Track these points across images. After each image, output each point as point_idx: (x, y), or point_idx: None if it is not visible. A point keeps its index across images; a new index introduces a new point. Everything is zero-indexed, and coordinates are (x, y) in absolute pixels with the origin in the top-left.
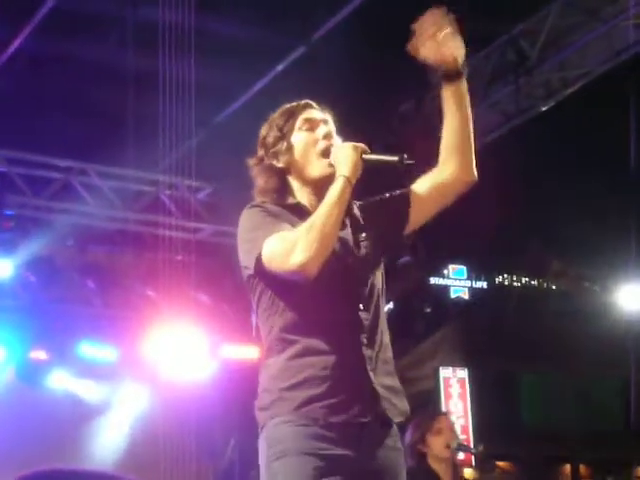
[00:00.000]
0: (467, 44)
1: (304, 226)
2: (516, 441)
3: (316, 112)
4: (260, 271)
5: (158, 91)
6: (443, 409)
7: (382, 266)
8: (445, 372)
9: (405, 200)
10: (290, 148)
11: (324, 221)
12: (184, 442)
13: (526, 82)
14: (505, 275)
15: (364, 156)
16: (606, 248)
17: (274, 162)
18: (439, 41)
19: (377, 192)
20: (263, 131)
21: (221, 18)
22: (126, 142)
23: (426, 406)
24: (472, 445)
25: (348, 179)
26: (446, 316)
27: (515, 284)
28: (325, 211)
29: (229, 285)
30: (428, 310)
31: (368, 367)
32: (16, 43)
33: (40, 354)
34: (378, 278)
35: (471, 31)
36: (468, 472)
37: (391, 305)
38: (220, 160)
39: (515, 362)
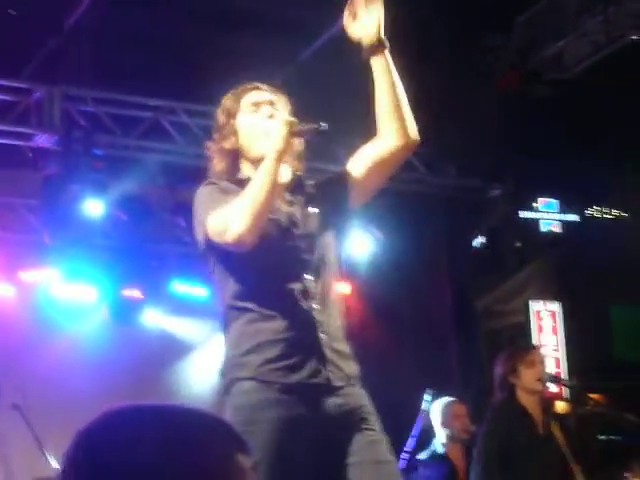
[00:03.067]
0: None
1: (236, 200)
2: (609, 373)
3: (263, 93)
4: (209, 245)
5: (245, 29)
6: (535, 343)
7: (332, 239)
8: (536, 305)
9: (342, 181)
10: (235, 130)
11: (254, 193)
12: None
13: (615, 11)
14: (597, 207)
15: (294, 128)
16: None
17: (224, 144)
18: (358, 19)
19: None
20: (217, 114)
21: None
22: (213, 80)
23: (517, 340)
24: (565, 378)
25: (275, 152)
26: (536, 250)
27: (607, 216)
28: (255, 184)
29: None
30: (518, 244)
31: (319, 330)
32: None
33: (134, 292)
34: (329, 248)
35: None
36: (561, 405)
37: (482, 239)
38: (305, 97)
39: (607, 295)
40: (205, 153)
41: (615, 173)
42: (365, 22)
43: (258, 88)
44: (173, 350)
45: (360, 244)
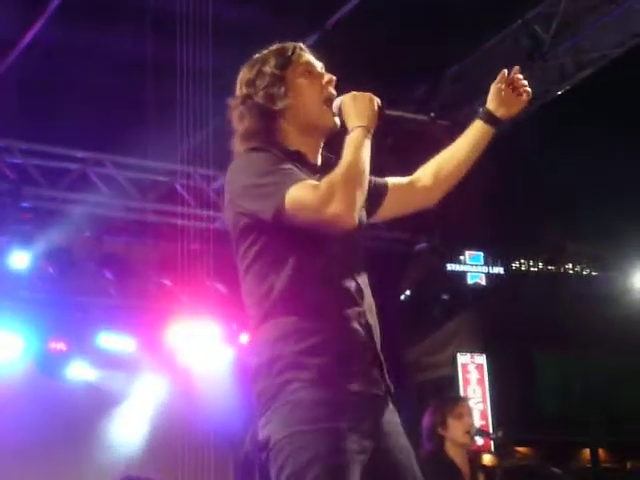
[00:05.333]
0: (480, 31)
1: (338, 174)
2: (535, 426)
3: (312, 57)
4: (279, 220)
5: (174, 80)
6: (462, 395)
7: None
8: (463, 358)
9: (382, 192)
10: (289, 91)
11: (359, 170)
12: (203, 431)
13: (540, 67)
14: (522, 260)
15: (386, 111)
16: (623, 232)
17: (268, 104)
18: (512, 94)
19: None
20: (250, 71)
21: (236, 6)
22: (141, 132)
23: (444, 392)
24: (491, 431)
25: (369, 130)
26: (463, 302)
27: (532, 269)
28: (357, 160)
29: None
30: (445, 297)
31: (373, 336)
32: (31, 33)
33: (59, 345)
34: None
35: (484, 17)
36: (487, 458)
37: (408, 292)
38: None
39: (533, 347)
40: (131, 205)
41: (541, 225)
42: (512, 98)
43: (304, 50)
44: (98, 403)
45: None
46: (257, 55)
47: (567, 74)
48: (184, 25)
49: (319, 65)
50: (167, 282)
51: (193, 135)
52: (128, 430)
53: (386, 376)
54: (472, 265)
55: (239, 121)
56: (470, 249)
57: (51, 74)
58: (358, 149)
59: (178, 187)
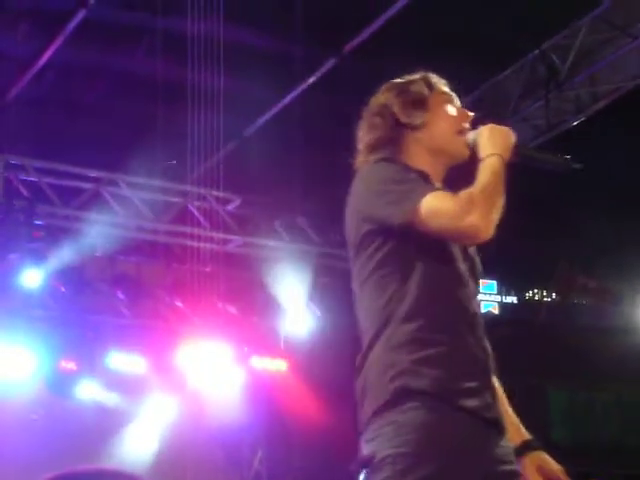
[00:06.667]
0: (498, 59)
1: (478, 189)
2: None
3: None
4: (409, 226)
5: (187, 102)
6: None
7: None
8: None
9: None
10: (428, 114)
11: (497, 190)
12: (211, 453)
13: (556, 97)
14: (535, 290)
15: (522, 150)
16: (634, 263)
17: (406, 119)
18: None
19: None
20: (391, 90)
21: (251, 30)
22: (155, 153)
23: None
24: None
25: (504, 160)
26: None
27: (545, 299)
28: (495, 181)
29: (257, 297)
30: None
31: (489, 360)
32: (47, 54)
33: (69, 364)
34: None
35: (502, 46)
36: None
37: None
38: (249, 172)
39: (544, 377)
40: (144, 226)
41: (554, 255)
42: None
43: (444, 83)
44: (107, 423)
45: (300, 321)
46: (397, 80)
47: (583, 105)
48: (196, 48)
49: (458, 100)
50: (178, 303)
51: (207, 157)
52: (136, 451)
53: (498, 407)
54: (485, 294)
55: (368, 132)
56: (483, 278)
57: (66, 94)
58: (495, 174)
59: (191, 208)
